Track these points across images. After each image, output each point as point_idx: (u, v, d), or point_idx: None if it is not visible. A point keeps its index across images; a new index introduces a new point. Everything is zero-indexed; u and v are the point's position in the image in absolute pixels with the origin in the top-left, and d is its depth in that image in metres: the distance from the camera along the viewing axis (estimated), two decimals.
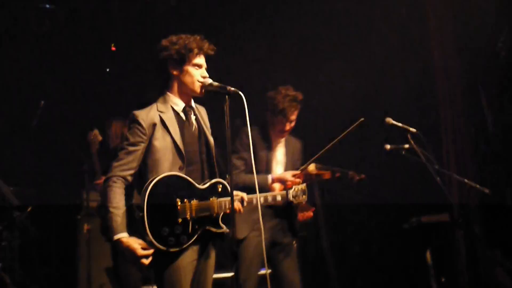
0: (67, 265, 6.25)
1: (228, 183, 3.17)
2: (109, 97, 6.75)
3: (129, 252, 2.95)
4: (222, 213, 3.16)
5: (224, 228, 3.14)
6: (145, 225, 2.92)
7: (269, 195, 3.60)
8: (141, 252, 2.94)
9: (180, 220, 3.02)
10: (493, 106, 5.72)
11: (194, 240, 3.06)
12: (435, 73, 5.90)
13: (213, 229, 3.14)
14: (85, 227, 5.85)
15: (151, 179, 3.02)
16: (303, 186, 3.74)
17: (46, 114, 5.50)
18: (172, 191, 3.03)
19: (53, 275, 6.17)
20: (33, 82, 6.45)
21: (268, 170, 4.40)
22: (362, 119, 4.25)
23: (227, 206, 3.14)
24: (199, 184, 3.15)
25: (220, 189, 3.19)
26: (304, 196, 3.74)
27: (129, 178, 3.09)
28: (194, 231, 3.06)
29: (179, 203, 3.03)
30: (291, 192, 3.69)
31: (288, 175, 4.20)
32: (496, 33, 5.49)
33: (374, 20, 6.24)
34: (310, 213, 4.55)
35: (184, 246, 3.03)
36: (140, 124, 3.11)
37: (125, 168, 3.07)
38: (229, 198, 3.10)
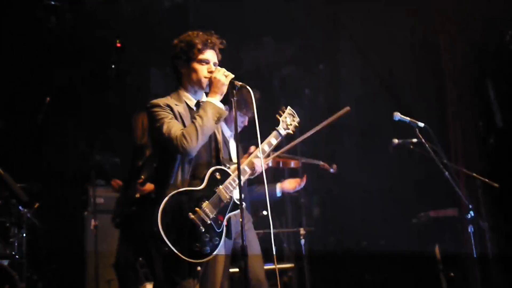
0: (75, 261, 6.27)
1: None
2: (114, 93, 6.75)
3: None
4: (233, 194, 3.17)
5: (244, 204, 3.09)
6: (177, 255, 2.94)
7: (264, 145, 3.38)
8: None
9: (203, 228, 3.04)
10: (501, 101, 5.68)
11: (224, 233, 3.12)
12: (443, 67, 5.86)
13: (234, 212, 3.17)
14: (92, 223, 5.85)
15: (155, 215, 2.97)
16: (288, 109, 3.52)
17: (52, 110, 5.48)
18: (180, 209, 3.03)
19: (61, 271, 6.18)
20: (39, 78, 6.45)
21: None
22: (348, 108, 4.17)
23: (233, 185, 3.16)
24: (200, 183, 3.14)
25: (219, 176, 3.19)
26: (295, 117, 3.51)
27: None
28: (219, 227, 3.10)
29: (192, 216, 3.04)
30: (280, 127, 3.45)
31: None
32: (505, 27, 5.45)
33: (382, 14, 6.21)
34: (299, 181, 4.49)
35: (220, 244, 3.09)
36: (161, 107, 3.13)
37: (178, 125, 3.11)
38: (231, 177, 3.17)
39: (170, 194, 3.03)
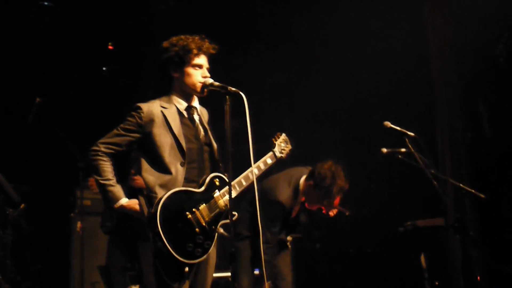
0: (60, 263, 6.22)
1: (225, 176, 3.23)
2: (105, 96, 6.73)
3: (133, 212, 3.11)
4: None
5: (236, 214, 3.14)
6: (170, 252, 2.94)
7: (261, 163, 3.48)
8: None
9: (197, 229, 3.05)
10: (490, 111, 5.73)
11: (216, 238, 3.14)
12: (432, 77, 5.91)
13: (226, 221, 3.18)
14: (78, 225, 5.82)
15: (154, 208, 3.00)
16: (284, 136, 3.67)
17: (42, 111, 5.45)
18: (178, 208, 3.04)
19: (46, 272, 6.13)
20: (30, 79, 6.42)
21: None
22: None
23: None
24: (197, 187, 3.16)
25: (218, 183, 3.22)
26: (288, 145, 3.66)
27: (110, 156, 3.16)
28: (212, 232, 3.12)
29: (190, 215, 3.05)
30: (276, 150, 3.58)
31: None
32: (495, 38, 5.50)
33: (373, 24, 6.25)
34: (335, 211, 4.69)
35: (210, 249, 3.11)
36: (139, 115, 3.15)
37: (110, 147, 3.14)
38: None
39: (172, 191, 3.05)
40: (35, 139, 6.31)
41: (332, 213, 4.70)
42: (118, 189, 3.13)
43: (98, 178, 3.11)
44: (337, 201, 4.55)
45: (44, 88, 6.09)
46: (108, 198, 3.11)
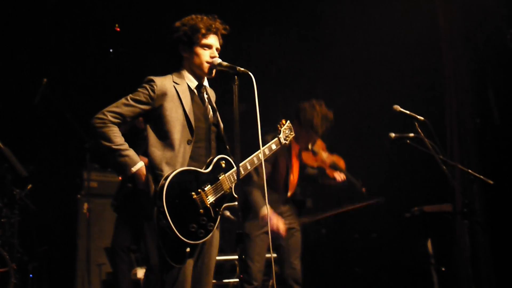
0: (66, 244, 6.25)
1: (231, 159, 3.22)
2: (112, 77, 6.71)
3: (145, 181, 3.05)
4: (234, 186, 3.19)
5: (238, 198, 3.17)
6: (173, 231, 2.93)
7: (266, 149, 3.47)
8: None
9: (202, 210, 3.04)
10: (499, 98, 5.68)
11: (218, 220, 3.12)
12: (442, 63, 5.85)
13: (230, 204, 3.18)
14: (85, 206, 5.84)
15: (161, 185, 2.97)
16: (288, 123, 3.69)
17: (49, 91, 5.44)
18: (184, 187, 3.03)
19: (52, 253, 6.16)
20: (36, 59, 6.40)
21: (286, 185, 4.50)
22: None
23: (235, 177, 3.17)
24: (203, 168, 3.15)
25: (224, 165, 3.20)
26: (292, 132, 3.69)
27: (117, 125, 3.08)
28: (216, 214, 3.11)
29: (195, 196, 3.04)
30: (281, 136, 3.59)
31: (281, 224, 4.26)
32: (505, 25, 5.44)
33: (382, 8, 6.18)
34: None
35: (213, 231, 3.10)
36: (152, 87, 3.12)
37: (118, 117, 3.07)
38: (235, 169, 3.15)
39: (179, 170, 3.03)
40: (42, 120, 6.32)
41: (339, 177, 4.66)
42: (134, 153, 3.06)
43: (110, 144, 3.01)
44: (342, 163, 4.65)
45: (50, 69, 6.08)
46: (124, 164, 3.03)
